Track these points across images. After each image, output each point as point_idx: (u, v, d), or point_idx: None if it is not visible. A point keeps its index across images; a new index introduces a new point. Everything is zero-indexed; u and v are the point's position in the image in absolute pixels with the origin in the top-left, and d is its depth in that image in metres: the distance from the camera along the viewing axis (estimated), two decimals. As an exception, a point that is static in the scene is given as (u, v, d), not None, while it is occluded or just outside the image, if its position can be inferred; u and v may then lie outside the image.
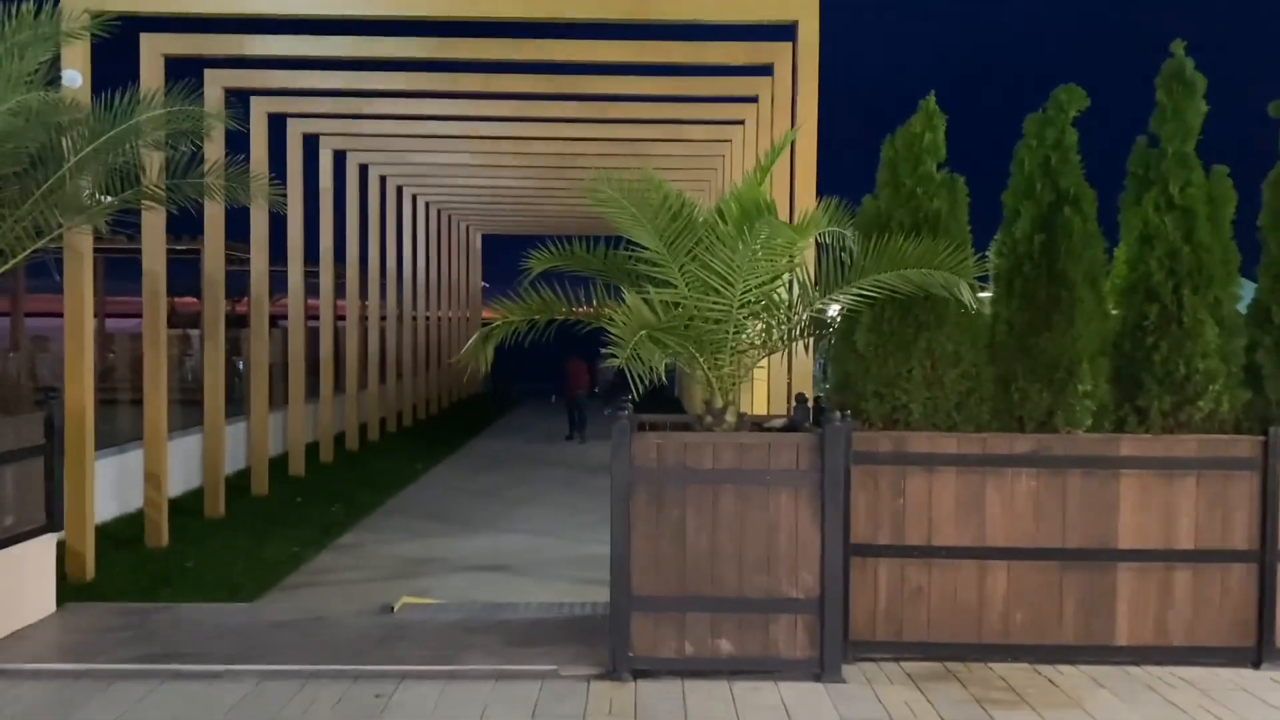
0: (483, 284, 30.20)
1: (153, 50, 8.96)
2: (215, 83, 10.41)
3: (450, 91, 12.54)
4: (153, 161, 5.30)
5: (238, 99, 10.78)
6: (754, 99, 11.95)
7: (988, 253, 5.91)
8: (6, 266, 4.62)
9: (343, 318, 16.25)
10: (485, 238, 29.46)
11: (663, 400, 29.11)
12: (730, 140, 14.76)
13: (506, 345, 5.50)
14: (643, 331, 4.67)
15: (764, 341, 5.38)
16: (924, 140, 5.81)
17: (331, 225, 15.25)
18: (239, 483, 11.91)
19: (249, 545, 9.43)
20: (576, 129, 14.90)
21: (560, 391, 20.52)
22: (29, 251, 4.64)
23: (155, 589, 7.72)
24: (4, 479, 4.67)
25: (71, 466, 7.49)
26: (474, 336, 4.98)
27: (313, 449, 14.39)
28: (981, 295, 5.72)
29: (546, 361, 28.46)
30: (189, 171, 5.75)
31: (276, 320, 17.30)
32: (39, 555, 4.96)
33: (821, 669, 5.27)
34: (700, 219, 5.33)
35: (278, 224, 12.84)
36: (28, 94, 4.07)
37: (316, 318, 15.78)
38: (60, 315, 7.55)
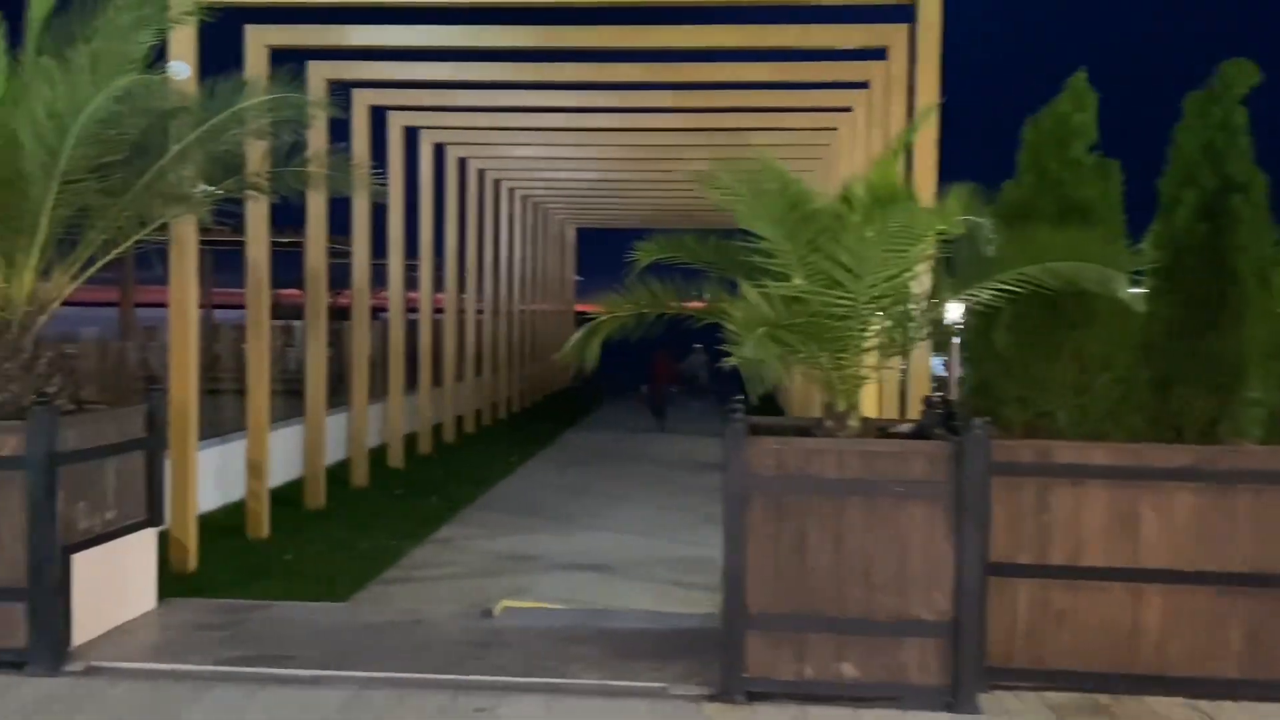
0: (576, 277, 30.16)
1: (257, 41, 8.93)
2: (318, 74, 10.35)
3: (551, 82, 12.34)
4: (255, 150, 5.14)
5: (340, 91, 10.73)
6: (864, 84, 11.44)
7: (1142, 245, 5.37)
8: (109, 257, 4.52)
9: (440, 310, 16.24)
10: (580, 231, 29.40)
11: (764, 401, 28.59)
12: (836, 129, 14.25)
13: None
14: (762, 328, 4.30)
15: (891, 339, 4.92)
16: (1072, 121, 5.30)
17: (431, 218, 15.24)
18: (338, 474, 11.92)
19: (347, 537, 9.37)
20: (677, 119, 14.63)
21: (647, 383, 21.12)
22: (132, 242, 4.53)
23: (255, 581, 7.68)
24: (106, 472, 4.57)
25: (176, 457, 7.48)
26: (579, 331, 4.67)
27: (410, 441, 14.39)
28: (1133, 291, 5.18)
29: (634, 356, 28.51)
30: (291, 161, 5.59)
31: (376, 312, 17.55)
32: (141, 550, 4.87)
33: (954, 698, 4.83)
34: (822, 206, 4.92)
35: (378, 217, 12.86)
36: (130, 79, 3.92)
37: (414, 310, 15.82)
38: (168, 306, 7.55)
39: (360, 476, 11.86)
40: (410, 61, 11.40)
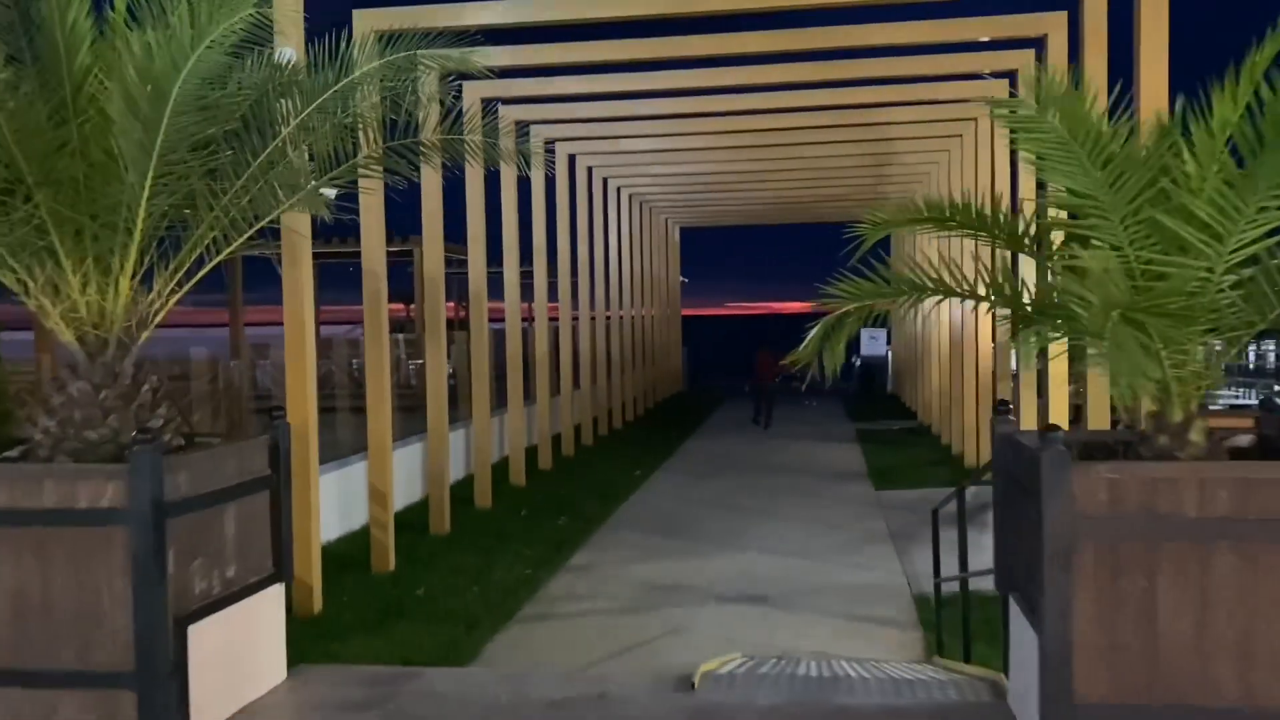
0: (681, 279, 29.17)
1: (365, 27, 8.19)
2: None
3: (663, 90, 12.10)
4: (369, 128, 4.31)
5: (452, 82, 9.99)
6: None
7: None
8: (218, 258, 3.71)
9: (554, 318, 15.46)
10: (683, 231, 28.40)
11: (876, 397, 27.35)
12: (960, 135, 13.09)
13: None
14: (1116, 312, 3.06)
15: (1246, 321, 3.58)
16: None
17: (544, 220, 14.44)
18: (460, 494, 11.17)
19: (479, 566, 8.58)
20: (795, 109, 13.60)
21: (751, 380, 21.76)
22: (246, 236, 3.72)
23: (387, 622, 6.92)
24: (227, 521, 3.78)
25: (298, 490, 6.76)
26: (815, 329, 3.64)
27: (530, 455, 13.62)
28: None
29: (740, 356, 27.59)
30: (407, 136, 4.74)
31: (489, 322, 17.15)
32: (268, 611, 4.07)
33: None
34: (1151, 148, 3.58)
35: (492, 221, 12.10)
36: (240, 18, 3.11)
37: (526, 319, 15.05)
38: (271, 325, 6.87)
39: (484, 496, 11.09)
40: (516, 45, 10.63)
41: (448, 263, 12.39)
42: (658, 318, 24.73)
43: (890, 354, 29.25)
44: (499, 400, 13.40)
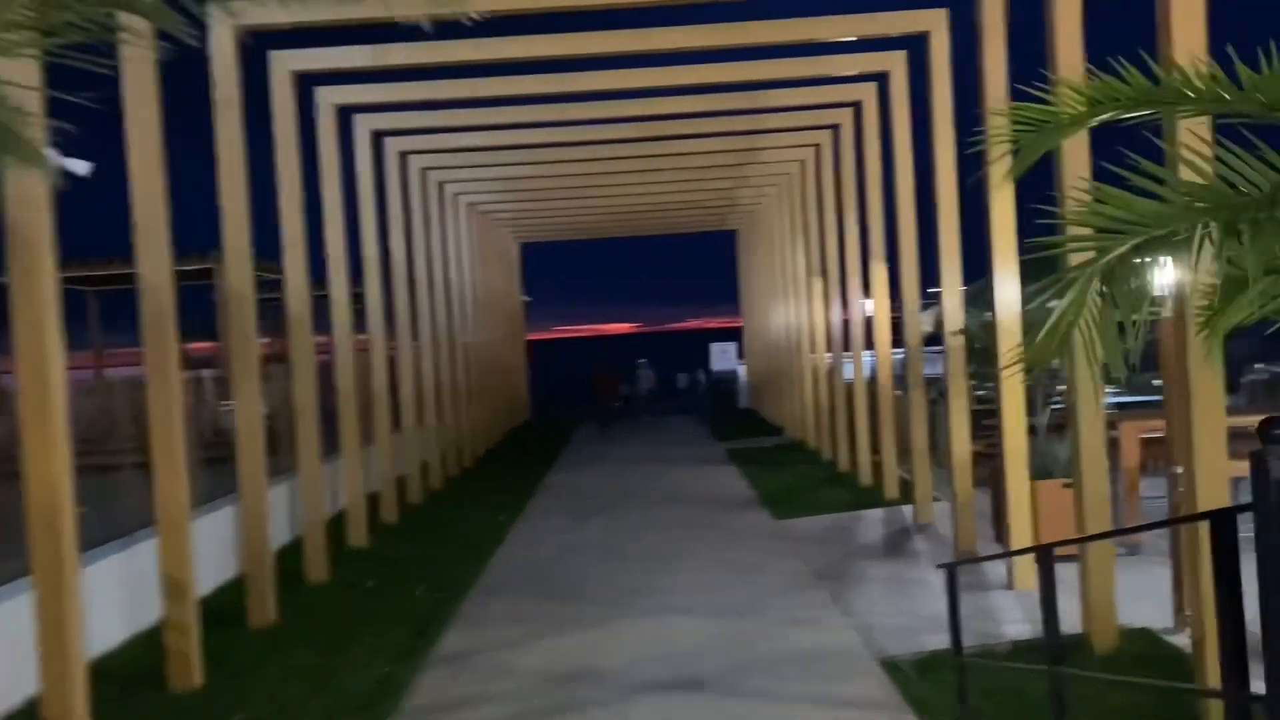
0: (524, 298, 27.26)
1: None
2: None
3: (506, 96, 11.34)
4: None
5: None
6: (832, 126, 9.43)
7: None
8: None
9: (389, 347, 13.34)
10: (523, 247, 26.53)
11: (733, 413, 26.26)
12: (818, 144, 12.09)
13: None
14: None
15: None
16: None
17: (375, 230, 12.33)
18: (290, 565, 8.97)
19: (318, 667, 6.52)
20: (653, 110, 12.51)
21: (590, 399, 23.59)
22: None
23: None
24: None
25: (47, 591, 4.64)
26: (1051, 320, 2.07)
27: (372, 505, 11.45)
28: None
29: (583, 379, 26.31)
30: None
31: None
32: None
33: None
34: None
35: (311, 228, 9.96)
36: None
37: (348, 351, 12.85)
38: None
39: (318, 567, 8.91)
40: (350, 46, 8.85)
41: (264, 285, 10.17)
42: (500, 341, 22.78)
43: (741, 368, 28.31)
44: (330, 443, 11.23)
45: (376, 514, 11.39)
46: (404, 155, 13.71)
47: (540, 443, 20.92)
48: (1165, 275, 3.54)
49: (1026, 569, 7.50)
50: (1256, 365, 14.05)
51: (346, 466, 10.09)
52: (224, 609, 7.70)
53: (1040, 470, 8.10)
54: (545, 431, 23.79)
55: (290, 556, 9.30)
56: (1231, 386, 11.49)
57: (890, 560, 8.87)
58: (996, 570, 7.97)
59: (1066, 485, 8.20)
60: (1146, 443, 8.75)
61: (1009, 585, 7.54)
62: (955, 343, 8.71)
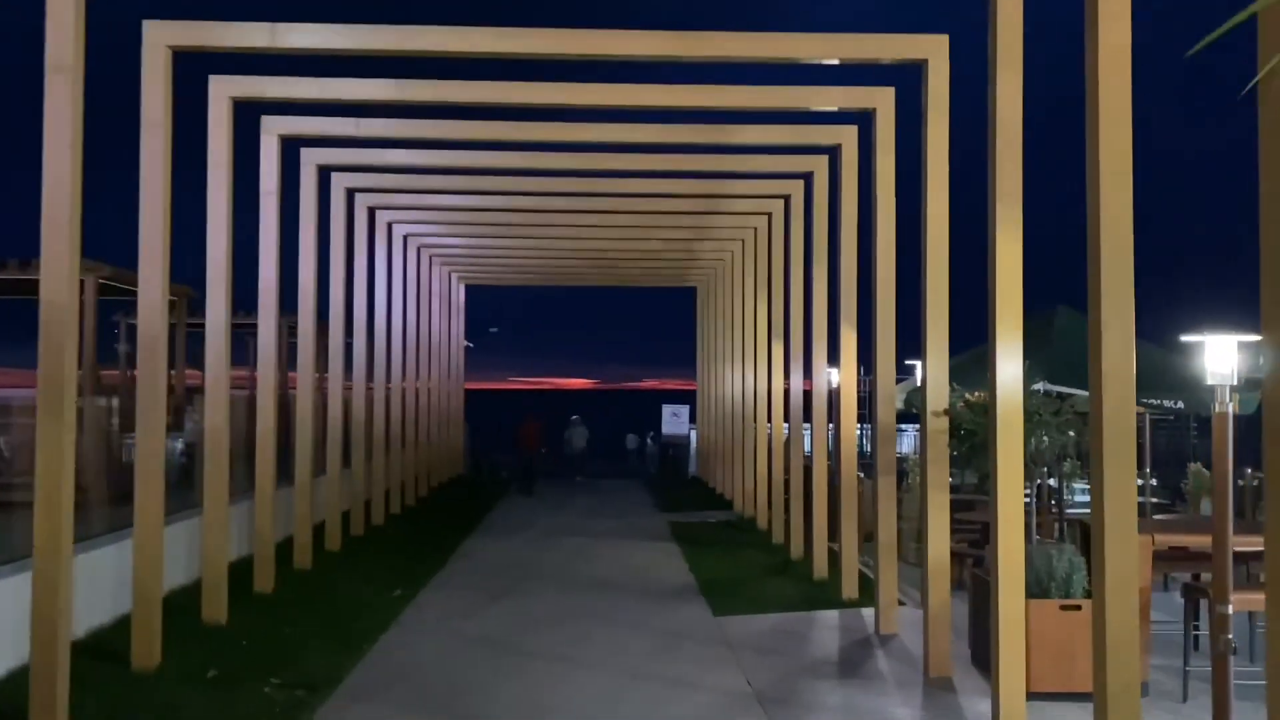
0: (466, 344, 25.67)
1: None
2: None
3: (455, 140, 10.81)
4: None
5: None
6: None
7: None
8: None
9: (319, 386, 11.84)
10: (468, 290, 25.03)
11: (680, 482, 24.70)
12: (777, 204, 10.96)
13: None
14: None
15: None
16: None
17: (313, 256, 11.11)
18: (108, 645, 7.26)
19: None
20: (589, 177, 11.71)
21: (515, 448, 23.12)
22: None
23: None
24: None
25: None
26: None
27: (241, 573, 9.75)
28: None
29: (511, 443, 24.98)
30: None
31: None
32: None
33: None
34: None
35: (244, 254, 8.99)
36: None
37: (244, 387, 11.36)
38: None
39: (148, 650, 7.14)
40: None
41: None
42: (437, 388, 21.15)
43: (694, 433, 26.85)
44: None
45: (246, 581, 9.66)
46: (328, 173, 12.30)
47: (467, 502, 19.20)
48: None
49: (1016, 712, 6.04)
50: None
51: (208, 522, 8.39)
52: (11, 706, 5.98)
53: (1031, 585, 6.71)
54: (476, 489, 22.07)
55: (113, 633, 7.58)
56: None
57: (847, 683, 7.36)
58: (979, 710, 6.50)
59: (1066, 608, 6.81)
60: (1160, 557, 7.42)
61: (995, 732, 6.06)
62: (938, 425, 7.33)
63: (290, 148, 10.84)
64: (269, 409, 9.52)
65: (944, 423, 7.32)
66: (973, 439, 7.33)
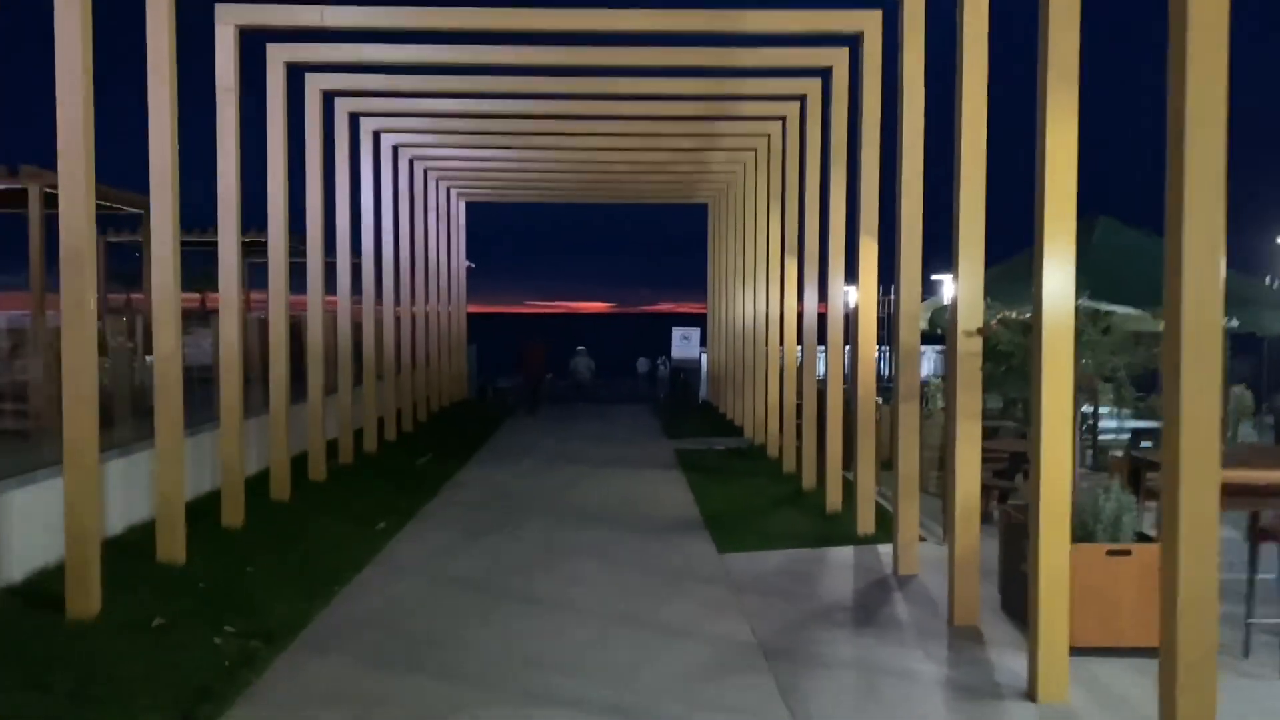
0: (468, 264, 24.74)
1: None
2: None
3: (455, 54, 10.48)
4: None
5: None
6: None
7: None
8: None
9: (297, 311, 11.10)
10: (470, 207, 24.01)
11: (690, 407, 23.90)
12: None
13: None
14: None
15: None
16: None
17: (285, 172, 10.27)
18: (48, 589, 6.59)
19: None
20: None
21: (519, 371, 23.34)
22: None
23: None
24: None
25: None
26: None
27: (208, 504, 9.07)
28: None
29: (515, 364, 24.67)
30: None
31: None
32: None
33: None
34: None
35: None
36: None
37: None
38: None
39: (82, 598, 6.41)
40: None
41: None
42: (438, 310, 20.33)
43: (705, 357, 26.02)
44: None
45: (213, 513, 8.98)
46: (330, 97, 11.55)
47: (467, 426, 18.51)
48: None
49: (1058, 673, 5.29)
50: None
51: (223, 439, 7.64)
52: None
53: (1073, 527, 5.90)
54: (477, 413, 21.40)
55: (48, 578, 6.90)
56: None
57: (863, 631, 6.63)
58: (1011, 667, 5.76)
59: (1113, 553, 6.01)
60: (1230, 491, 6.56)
61: (1030, 694, 5.31)
62: (970, 346, 6.44)
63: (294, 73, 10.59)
64: (232, 329, 8.72)
65: (977, 343, 6.43)
66: (1009, 360, 6.45)
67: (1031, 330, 5.53)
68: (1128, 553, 5.91)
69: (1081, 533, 6.00)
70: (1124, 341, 6.37)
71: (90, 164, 6.14)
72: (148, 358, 10.11)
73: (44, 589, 6.75)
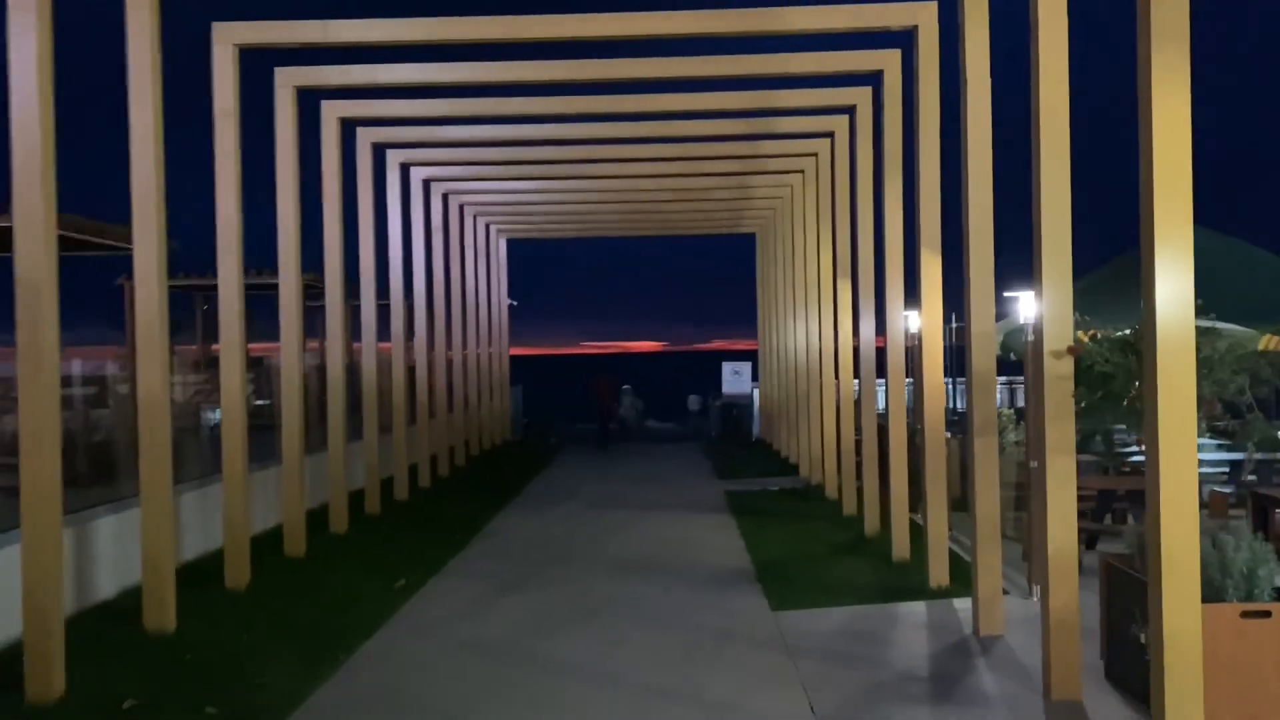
0: (510, 301, 24.12)
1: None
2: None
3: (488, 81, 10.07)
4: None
5: None
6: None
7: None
8: None
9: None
10: (510, 244, 23.44)
11: (742, 445, 22.90)
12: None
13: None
14: None
15: None
16: None
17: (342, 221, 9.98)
18: (12, 666, 5.87)
19: None
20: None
21: (591, 405, 23.82)
22: None
23: None
24: None
25: None
26: None
27: (208, 565, 8.35)
28: None
29: (584, 398, 24.39)
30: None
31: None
32: None
33: None
34: None
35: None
36: None
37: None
38: None
39: (43, 679, 5.66)
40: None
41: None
42: (476, 351, 19.68)
43: (757, 392, 25.02)
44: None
45: (214, 575, 8.25)
46: (381, 149, 11.29)
47: (506, 471, 17.72)
48: None
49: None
50: None
51: (144, 511, 6.92)
52: None
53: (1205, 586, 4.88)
54: (520, 456, 20.62)
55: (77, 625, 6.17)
56: None
57: (942, 707, 5.63)
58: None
59: (1249, 614, 4.96)
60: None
61: (1160, 795, 4.28)
62: (1060, 369, 5.48)
63: (310, 100, 10.40)
64: (234, 379, 8.06)
65: (1068, 365, 5.46)
66: (1108, 385, 5.46)
67: (1134, 348, 4.58)
68: (1267, 614, 4.87)
69: (1207, 590, 4.97)
70: (1247, 358, 5.36)
71: (50, 191, 5.51)
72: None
73: (10, 664, 6.03)
